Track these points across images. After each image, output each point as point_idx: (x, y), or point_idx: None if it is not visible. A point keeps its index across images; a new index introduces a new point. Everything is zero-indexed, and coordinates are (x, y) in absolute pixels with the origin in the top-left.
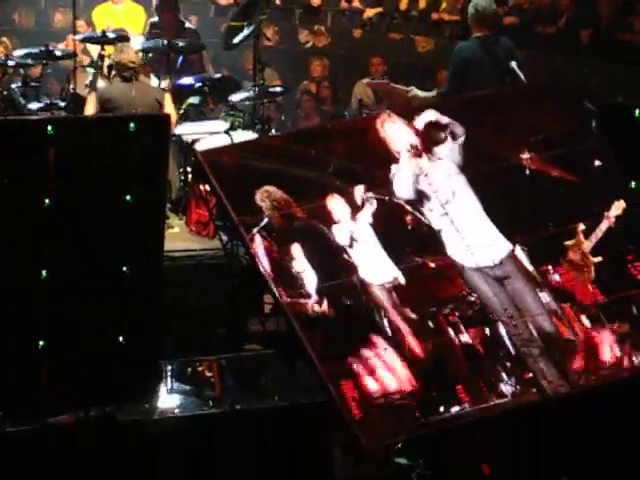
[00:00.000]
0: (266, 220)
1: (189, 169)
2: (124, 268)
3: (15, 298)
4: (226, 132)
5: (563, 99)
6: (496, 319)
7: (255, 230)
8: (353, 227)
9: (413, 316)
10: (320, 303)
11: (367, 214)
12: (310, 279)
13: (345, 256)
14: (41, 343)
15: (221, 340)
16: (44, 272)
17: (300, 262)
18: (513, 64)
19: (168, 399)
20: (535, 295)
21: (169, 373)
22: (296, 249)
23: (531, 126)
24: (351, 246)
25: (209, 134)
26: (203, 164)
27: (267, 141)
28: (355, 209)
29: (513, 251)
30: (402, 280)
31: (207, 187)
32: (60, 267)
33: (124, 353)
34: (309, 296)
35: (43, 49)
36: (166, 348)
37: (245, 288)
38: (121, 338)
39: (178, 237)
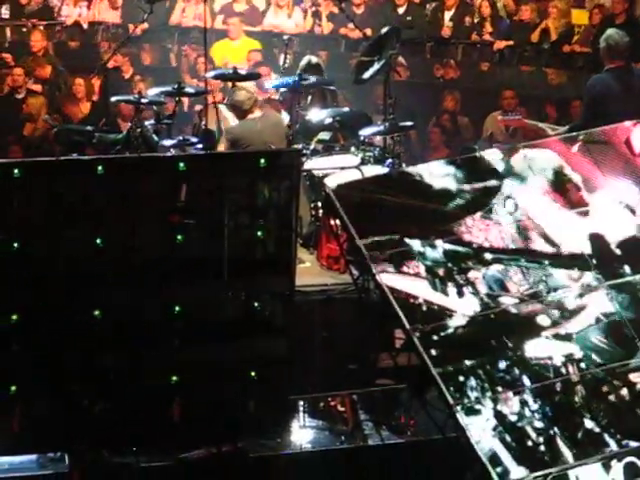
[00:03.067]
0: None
1: (320, 204)
2: (255, 303)
3: (148, 334)
4: (357, 167)
5: None
6: None
7: (385, 264)
8: None
9: None
10: None
11: None
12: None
13: None
14: (174, 379)
15: (352, 375)
16: (177, 308)
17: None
18: None
19: (300, 434)
20: None
21: (301, 408)
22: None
23: None
24: None
25: (340, 169)
26: (333, 199)
27: (397, 175)
28: None
29: None
30: None
31: (338, 222)
32: (191, 302)
33: (256, 388)
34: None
35: (175, 86)
36: (298, 383)
37: (376, 323)
38: (253, 373)
39: (309, 272)
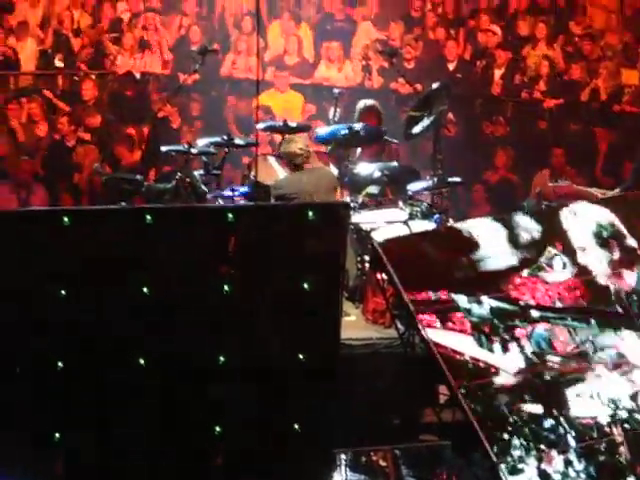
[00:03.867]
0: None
1: (366, 257)
2: (300, 356)
3: (193, 383)
4: (404, 221)
5: None
6: None
7: (431, 319)
8: None
9: None
10: None
11: None
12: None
13: None
14: (217, 429)
15: (396, 430)
16: (221, 357)
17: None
18: None
19: None
20: None
21: (343, 462)
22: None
23: None
24: None
25: (387, 223)
26: (380, 253)
27: (444, 231)
28: None
29: None
30: None
31: (384, 276)
32: (236, 352)
33: (299, 441)
34: None
35: (224, 137)
36: (340, 437)
37: (421, 378)
38: (296, 426)
39: (354, 325)
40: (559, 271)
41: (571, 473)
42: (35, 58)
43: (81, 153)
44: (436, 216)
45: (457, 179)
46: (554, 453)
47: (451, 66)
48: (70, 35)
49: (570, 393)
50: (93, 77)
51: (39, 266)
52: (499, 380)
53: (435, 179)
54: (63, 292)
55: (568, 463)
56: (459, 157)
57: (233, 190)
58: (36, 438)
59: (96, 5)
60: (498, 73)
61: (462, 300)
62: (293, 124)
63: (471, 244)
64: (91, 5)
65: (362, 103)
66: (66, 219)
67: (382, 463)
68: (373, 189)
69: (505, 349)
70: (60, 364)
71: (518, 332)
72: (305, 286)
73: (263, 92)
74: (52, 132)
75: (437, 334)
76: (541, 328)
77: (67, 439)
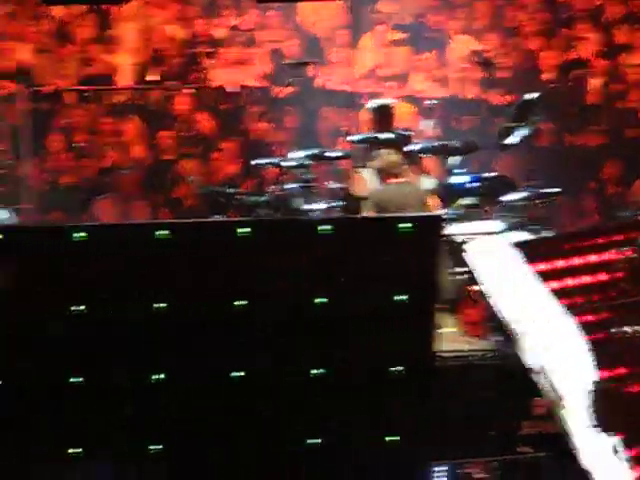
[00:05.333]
0: None
1: (461, 269)
2: (394, 369)
3: (285, 398)
4: (499, 233)
5: None
6: None
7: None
8: None
9: None
10: None
11: None
12: None
13: None
14: (309, 442)
15: (492, 442)
16: (316, 371)
17: None
18: None
19: None
20: None
21: (440, 475)
22: None
23: None
24: None
25: (482, 234)
26: (475, 265)
27: (540, 242)
28: None
29: None
30: None
31: (478, 288)
32: (331, 366)
33: (394, 453)
34: None
35: (318, 150)
36: (436, 449)
37: (516, 389)
38: (392, 438)
39: (449, 337)
40: None
41: None
42: (130, 73)
43: (177, 166)
44: (532, 227)
45: (553, 189)
46: None
47: (546, 76)
48: (165, 49)
49: None
50: (188, 91)
51: (138, 278)
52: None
53: (530, 190)
54: (162, 305)
55: None
56: (556, 167)
57: (326, 203)
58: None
59: (192, 19)
60: (594, 82)
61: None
62: (387, 136)
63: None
64: (187, 19)
65: (374, 102)
66: (163, 232)
67: (479, 475)
68: (467, 200)
69: None
70: (161, 376)
71: None
72: (399, 298)
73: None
74: (149, 146)
75: None
76: None
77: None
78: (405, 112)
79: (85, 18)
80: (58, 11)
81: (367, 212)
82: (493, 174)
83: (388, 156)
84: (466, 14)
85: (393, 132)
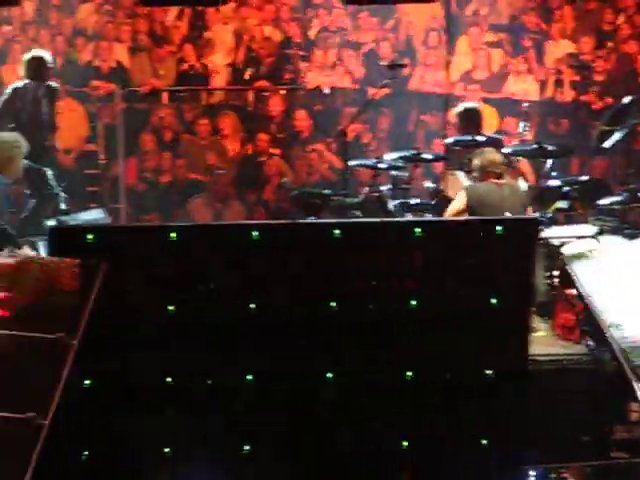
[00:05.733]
0: None
1: (556, 273)
2: (488, 371)
3: (377, 400)
4: (594, 236)
5: None
6: None
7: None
8: None
9: None
10: None
11: None
12: None
13: None
14: (404, 443)
15: (585, 447)
16: (409, 373)
17: None
18: None
19: None
20: None
21: (533, 478)
22: None
23: None
24: None
25: (577, 238)
26: (570, 268)
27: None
28: None
29: None
30: None
31: (574, 291)
32: (423, 368)
33: (487, 457)
34: None
35: (413, 152)
36: (529, 453)
37: (611, 394)
38: (485, 441)
39: (543, 341)
40: None
41: None
42: (226, 73)
43: (271, 167)
44: (627, 231)
45: None
46: None
47: None
48: (260, 50)
49: None
50: (282, 92)
51: (232, 279)
52: None
53: (627, 194)
54: (252, 306)
55: None
56: None
57: (421, 204)
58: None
59: (287, 21)
60: None
61: None
62: (482, 138)
63: None
64: (283, 21)
65: (461, 106)
66: (255, 234)
67: None
68: (563, 204)
69: None
70: (249, 377)
71: None
72: (493, 301)
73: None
74: (244, 146)
75: None
76: None
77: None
78: (491, 115)
79: (181, 19)
80: (154, 12)
81: (460, 205)
82: (589, 177)
83: (490, 154)
84: (564, 17)
85: (487, 135)
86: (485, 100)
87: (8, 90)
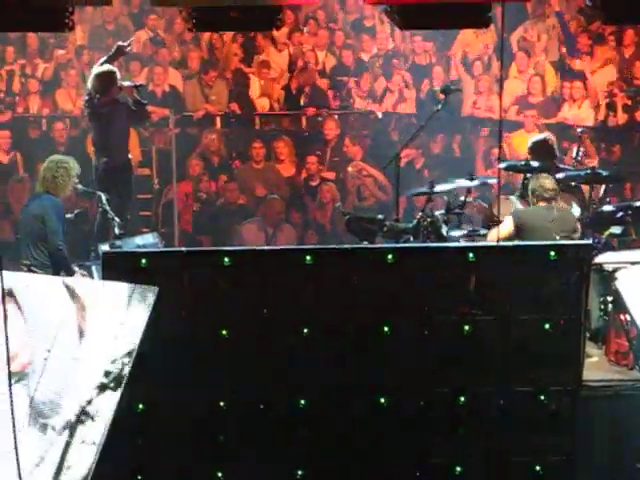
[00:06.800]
0: None
1: (609, 298)
2: (541, 396)
3: (433, 422)
4: None
5: None
6: None
7: None
8: None
9: None
10: None
11: None
12: None
13: None
14: (458, 469)
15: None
16: (462, 398)
17: None
18: None
19: None
20: None
21: None
22: None
23: None
24: None
25: (631, 264)
26: (624, 294)
27: None
28: None
29: None
30: None
31: (628, 317)
32: (475, 393)
33: None
34: None
35: (467, 177)
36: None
37: None
38: (538, 468)
39: (596, 366)
40: None
41: None
42: (280, 97)
43: (325, 192)
44: None
45: None
46: None
47: None
48: (314, 76)
49: None
50: (335, 117)
51: (285, 303)
52: None
53: None
54: (305, 331)
55: None
56: None
57: (474, 230)
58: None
59: (341, 46)
60: None
61: None
62: (535, 163)
63: None
64: (336, 46)
65: (530, 141)
66: (309, 258)
67: None
68: (616, 229)
69: None
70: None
71: None
72: (546, 326)
73: (512, 132)
74: (298, 171)
75: None
76: None
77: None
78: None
79: (234, 43)
80: (208, 37)
81: (509, 230)
82: None
83: (543, 180)
84: (615, 41)
85: (542, 160)
86: (542, 126)
87: None
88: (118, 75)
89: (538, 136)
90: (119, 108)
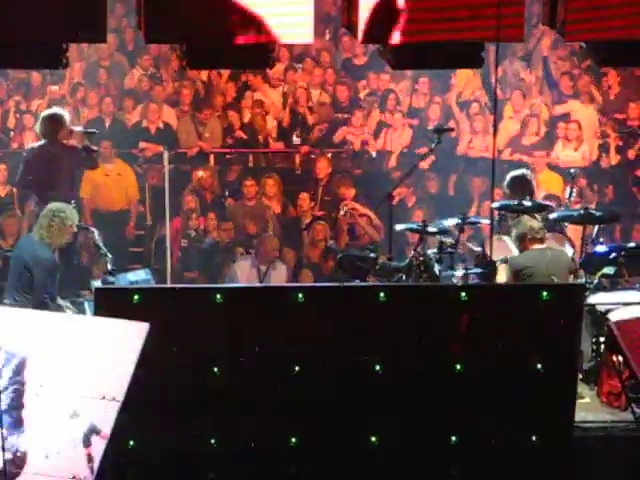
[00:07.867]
0: None
1: (602, 339)
2: (533, 437)
3: (422, 465)
4: None
5: None
6: None
7: None
8: None
9: None
10: None
11: None
12: None
13: None
14: None
15: None
16: (453, 438)
17: None
18: None
19: None
20: None
21: None
22: None
23: None
24: None
25: (623, 304)
26: (616, 334)
27: None
28: None
29: None
30: None
31: (620, 358)
32: (468, 433)
33: None
34: None
35: (460, 216)
36: None
37: None
38: None
39: (588, 407)
40: None
41: None
42: (273, 135)
43: (316, 230)
44: None
45: None
46: None
47: None
48: (306, 113)
49: None
50: (329, 155)
51: (276, 341)
52: None
53: None
54: (297, 368)
55: None
56: None
57: (466, 269)
58: None
59: (336, 84)
60: None
61: None
62: (529, 203)
63: None
64: (331, 84)
65: (508, 176)
66: (300, 296)
67: None
68: (609, 270)
69: None
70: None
71: None
72: (539, 367)
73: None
74: (287, 209)
75: None
76: None
77: None
78: (548, 180)
79: (229, 81)
80: (202, 74)
81: (507, 277)
82: (635, 244)
83: (529, 222)
84: (611, 83)
85: (535, 200)
86: (549, 167)
87: None
88: (67, 119)
89: (516, 171)
90: (69, 150)
